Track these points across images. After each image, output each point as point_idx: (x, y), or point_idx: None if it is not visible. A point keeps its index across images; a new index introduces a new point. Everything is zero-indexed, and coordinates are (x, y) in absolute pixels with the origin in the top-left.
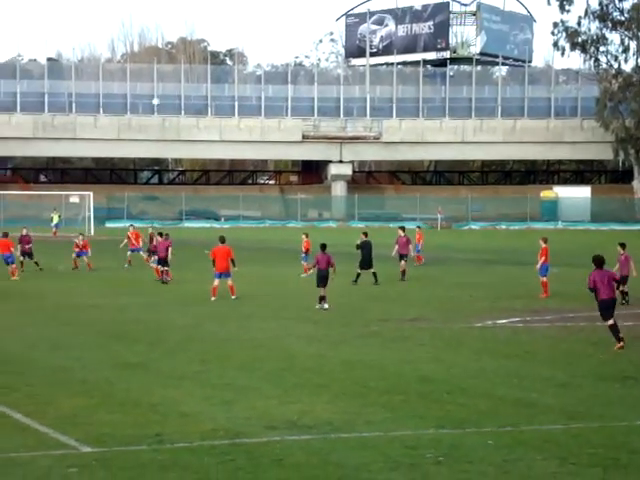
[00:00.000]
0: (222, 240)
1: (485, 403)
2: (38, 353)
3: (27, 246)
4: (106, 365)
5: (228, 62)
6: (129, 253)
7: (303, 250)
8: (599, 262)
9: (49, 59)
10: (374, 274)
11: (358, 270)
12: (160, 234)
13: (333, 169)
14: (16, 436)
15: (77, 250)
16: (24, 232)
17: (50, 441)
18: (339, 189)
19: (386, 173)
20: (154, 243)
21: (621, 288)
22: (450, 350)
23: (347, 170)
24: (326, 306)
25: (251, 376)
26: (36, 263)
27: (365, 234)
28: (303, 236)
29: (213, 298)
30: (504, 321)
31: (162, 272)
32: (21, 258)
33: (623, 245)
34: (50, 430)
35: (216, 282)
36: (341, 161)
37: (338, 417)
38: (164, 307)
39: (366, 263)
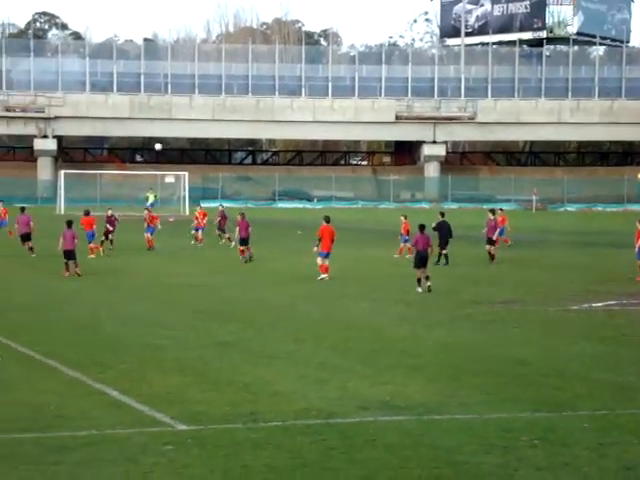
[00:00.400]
0: (327, 220)
1: (581, 386)
2: (131, 331)
3: (109, 227)
4: (199, 343)
5: (322, 42)
6: (193, 232)
7: (403, 232)
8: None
9: (145, 39)
10: (445, 256)
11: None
12: (242, 214)
13: (426, 150)
14: (112, 413)
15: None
16: (109, 213)
17: (145, 418)
18: (432, 170)
19: (480, 154)
20: (226, 221)
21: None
22: (545, 333)
23: (441, 151)
24: (428, 284)
25: (344, 356)
26: (110, 241)
27: (442, 214)
28: (402, 218)
29: (324, 275)
30: (600, 304)
31: (243, 251)
32: (102, 238)
33: (492, 211)
34: (145, 407)
35: (319, 260)
36: (434, 142)
37: (431, 399)
38: (257, 286)
39: (441, 244)
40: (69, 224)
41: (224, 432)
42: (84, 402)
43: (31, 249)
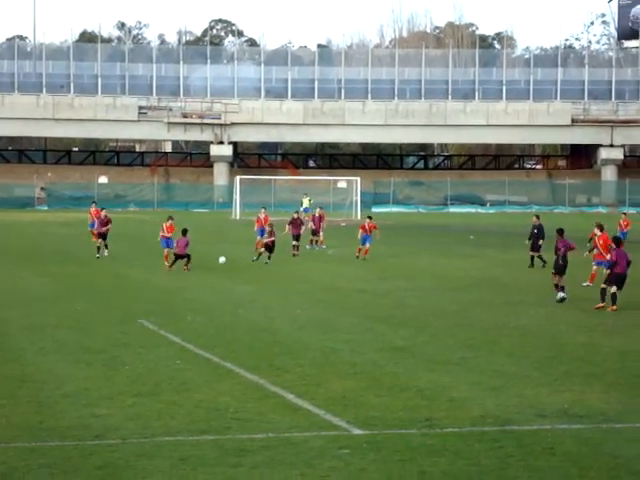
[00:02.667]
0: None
1: None
2: (307, 334)
3: (103, 228)
4: (373, 348)
5: (496, 46)
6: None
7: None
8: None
9: (319, 45)
10: (540, 257)
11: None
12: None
13: (603, 153)
14: (289, 416)
15: (258, 226)
16: (103, 214)
17: (322, 422)
18: (609, 174)
19: None
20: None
21: None
22: None
23: (618, 154)
24: (562, 295)
25: (519, 363)
26: (105, 245)
27: (537, 217)
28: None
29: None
30: None
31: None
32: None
33: None
34: (321, 411)
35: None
36: (612, 145)
37: (611, 407)
38: (427, 291)
39: (534, 246)
40: (184, 232)
41: (399, 437)
42: (261, 405)
43: (171, 265)
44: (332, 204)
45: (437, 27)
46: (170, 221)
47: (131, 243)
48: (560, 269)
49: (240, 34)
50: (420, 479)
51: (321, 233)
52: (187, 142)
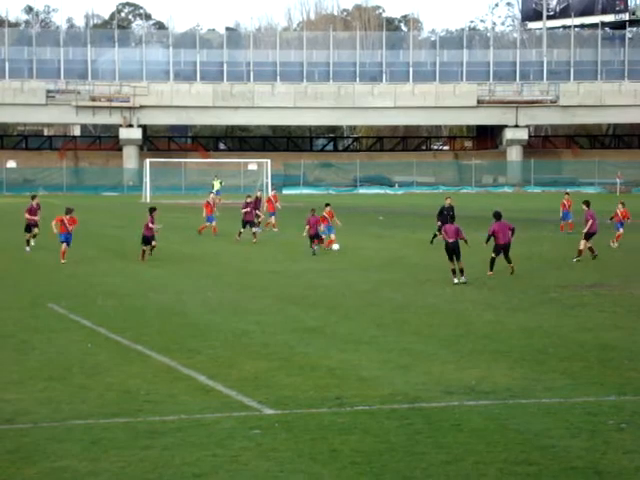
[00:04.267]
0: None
1: None
2: (219, 317)
3: (35, 217)
4: (285, 329)
5: (403, 28)
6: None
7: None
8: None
9: (227, 28)
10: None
11: None
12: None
13: (508, 134)
14: (201, 398)
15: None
16: (35, 203)
17: (233, 403)
18: (514, 154)
19: (563, 137)
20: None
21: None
22: (631, 317)
23: (523, 135)
24: (463, 279)
25: (427, 341)
26: (34, 235)
27: (449, 197)
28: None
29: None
30: None
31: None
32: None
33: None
34: (233, 392)
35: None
36: (517, 125)
37: (517, 383)
38: (339, 272)
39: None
40: (151, 210)
41: (311, 416)
42: (173, 387)
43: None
44: (243, 186)
45: (344, 10)
46: (71, 214)
47: (41, 228)
48: (452, 253)
49: (148, 17)
50: (331, 457)
51: (272, 217)
52: (96, 126)
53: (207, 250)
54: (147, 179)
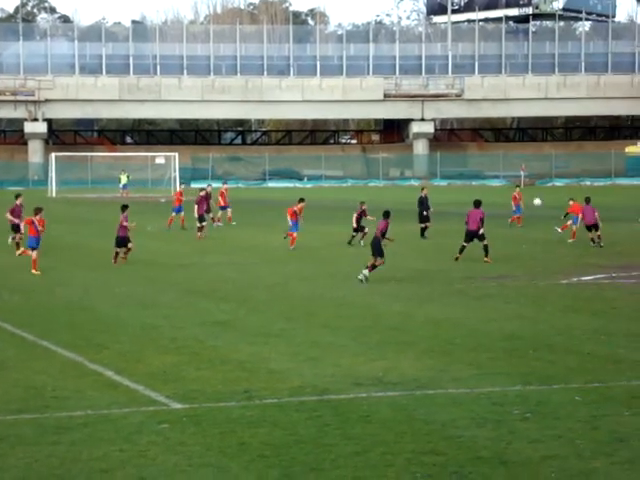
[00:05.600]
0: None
1: (572, 359)
2: (127, 311)
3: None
4: (194, 322)
5: (310, 22)
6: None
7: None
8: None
9: (133, 22)
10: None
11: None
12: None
13: (415, 127)
14: (108, 393)
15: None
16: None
17: (141, 398)
18: (421, 147)
19: (468, 131)
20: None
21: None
22: (536, 307)
23: (429, 128)
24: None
25: (336, 333)
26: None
27: (423, 188)
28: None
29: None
30: (589, 278)
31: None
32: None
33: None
34: (141, 387)
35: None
36: (423, 119)
37: (424, 374)
38: (248, 266)
39: (421, 217)
40: (123, 208)
41: (219, 410)
42: (80, 382)
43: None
44: (150, 180)
45: (251, 4)
46: (40, 214)
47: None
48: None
49: (53, 11)
50: (239, 450)
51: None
52: (0, 120)
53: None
54: (53, 173)
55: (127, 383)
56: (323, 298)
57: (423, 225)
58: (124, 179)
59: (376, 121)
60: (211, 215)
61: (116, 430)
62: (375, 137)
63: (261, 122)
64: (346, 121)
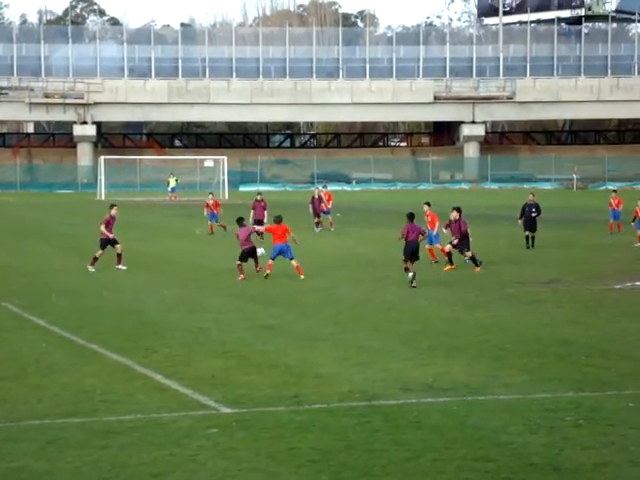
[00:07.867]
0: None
1: (626, 365)
2: (176, 315)
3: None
4: (242, 327)
5: (359, 24)
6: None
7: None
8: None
9: (182, 24)
10: (533, 237)
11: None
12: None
13: (465, 130)
14: (157, 397)
15: (208, 211)
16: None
17: (190, 402)
18: (471, 150)
19: (520, 133)
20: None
21: None
22: (589, 312)
23: (480, 131)
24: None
25: (385, 338)
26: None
27: (532, 194)
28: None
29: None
30: None
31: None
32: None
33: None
34: (190, 391)
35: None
36: (474, 122)
37: (475, 380)
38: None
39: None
40: (239, 221)
41: (268, 415)
42: (129, 386)
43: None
44: (199, 184)
45: (300, 5)
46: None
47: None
48: (411, 255)
49: (102, 13)
50: (289, 455)
51: (330, 215)
52: (49, 122)
53: (163, 248)
54: (102, 176)
55: (176, 387)
56: (372, 302)
57: (532, 234)
58: (173, 182)
59: (426, 124)
60: (315, 220)
61: (165, 434)
62: (425, 140)
63: (310, 125)
64: (395, 124)
